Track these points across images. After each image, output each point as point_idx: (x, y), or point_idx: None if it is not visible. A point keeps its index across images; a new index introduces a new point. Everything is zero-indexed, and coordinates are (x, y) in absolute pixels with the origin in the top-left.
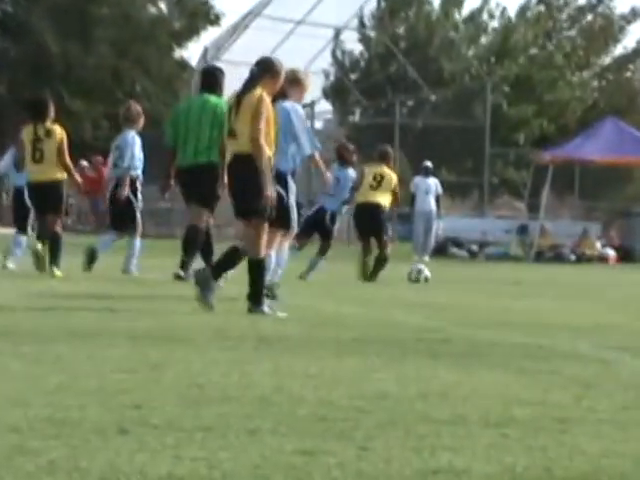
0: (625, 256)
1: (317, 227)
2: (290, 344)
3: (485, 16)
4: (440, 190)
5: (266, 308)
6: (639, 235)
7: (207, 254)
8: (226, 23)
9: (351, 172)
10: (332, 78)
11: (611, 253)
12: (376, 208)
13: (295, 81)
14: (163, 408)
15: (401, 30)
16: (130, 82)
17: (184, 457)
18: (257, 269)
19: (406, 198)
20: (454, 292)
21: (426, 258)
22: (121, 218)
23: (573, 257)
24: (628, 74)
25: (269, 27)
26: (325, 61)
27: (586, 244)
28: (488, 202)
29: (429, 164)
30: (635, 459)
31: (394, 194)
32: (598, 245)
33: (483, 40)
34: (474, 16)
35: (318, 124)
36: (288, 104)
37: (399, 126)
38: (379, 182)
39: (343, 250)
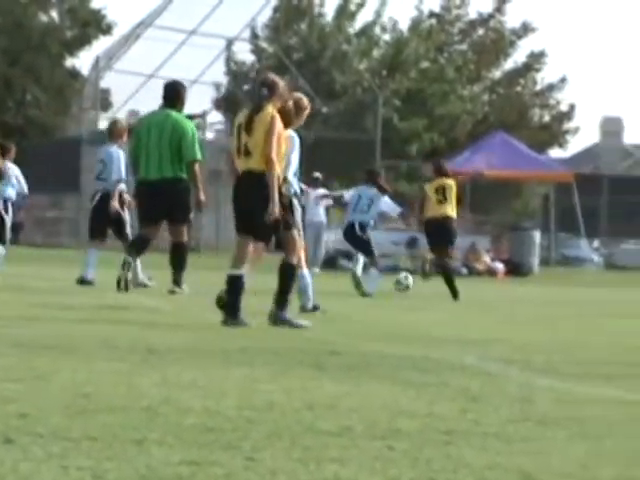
0: (514, 270)
1: (353, 242)
2: (178, 354)
3: (377, 29)
4: (330, 202)
5: (286, 315)
6: (527, 249)
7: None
8: (118, 33)
9: (384, 198)
10: (224, 89)
11: (500, 267)
12: (445, 220)
13: (301, 108)
14: (49, 417)
15: (294, 42)
16: (21, 90)
17: (70, 466)
18: (287, 274)
19: None
20: (343, 304)
21: (316, 270)
22: (104, 229)
23: (465, 271)
24: (518, 88)
25: (161, 37)
26: (218, 72)
27: (475, 258)
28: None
29: (319, 175)
30: (519, 473)
31: (458, 201)
32: (487, 259)
33: (375, 53)
34: (366, 29)
35: (210, 135)
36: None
37: None
38: (443, 194)
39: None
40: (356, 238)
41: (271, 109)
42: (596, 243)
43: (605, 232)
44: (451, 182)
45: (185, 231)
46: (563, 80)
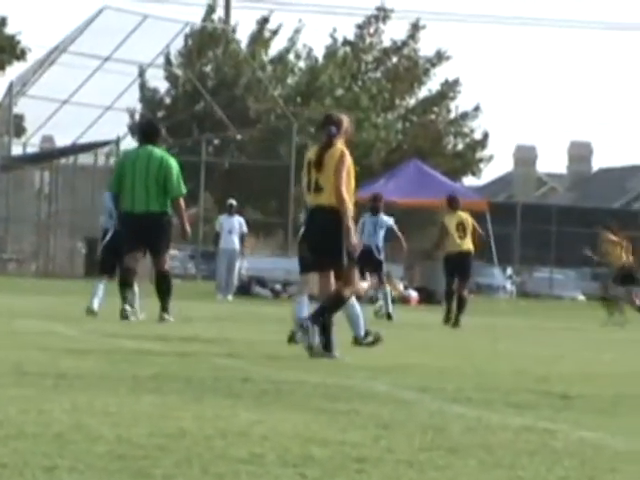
0: (427, 298)
1: (366, 263)
2: (89, 381)
3: (292, 56)
4: (245, 229)
5: (336, 353)
6: (440, 277)
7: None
8: (32, 58)
9: (384, 217)
10: (138, 115)
11: (413, 294)
12: (466, 255)
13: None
14: None
15: (208, 69)
16: None
17: None
18: (334, 302)
19: (210, 236)
20: (256, 331)
21: (229, 297)
22: (114, 266)
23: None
24: (432, 116)
25: (76, 63)
26: (132, 98)
27: (388, 285)
28: (292, 242)
29: (233, 202)
30: None
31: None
32: (400, 286)
33: (290, 80)
34: (281, 56)
35: None
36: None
37: (205, 165)
38: (464, 230)
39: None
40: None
41: (340, 146)
42: (509, 271)
43: (518, 260)
44: (468, 217)
45: (167, 261)
46: (477, 108)
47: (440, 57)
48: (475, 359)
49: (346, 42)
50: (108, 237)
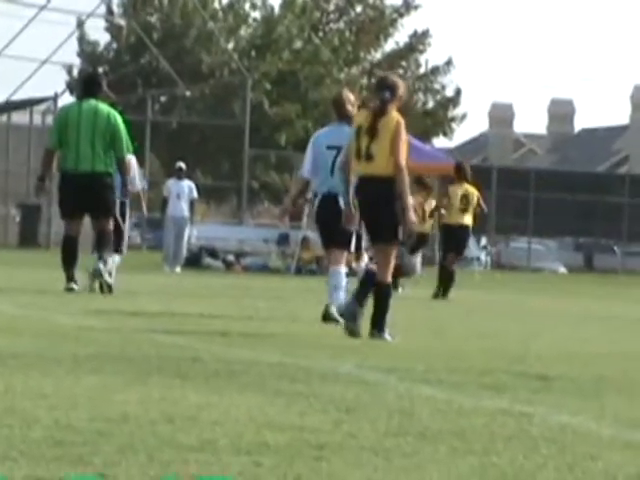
0: (394, 270)
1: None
2: (24, 361)
3: (246, 6)
4: (195, 194)
5: (387, 335)
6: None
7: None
8: None
9: None
10: (77, 70)
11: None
12: (465, 229)
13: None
14: None
15: (154, 19)
16: None
17: None
18: (384, 294)
19: (157, 202)
20: (206, 306)
21: (177, 269)
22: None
23: None
24: (400, 71)
25: (9, 12)
26: (71, 51)
27: (352, 256)
28: (247, 208)
29: (182, 165)
30: None
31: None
32: (366, 258)
33: (244, 32)
34: (234, 5)
35: None
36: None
37: (151, 124)
38: (466, 204)
39: None
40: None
41: (395, 113)
42: (484, 241)
43: (493, 229)
44: (474, 190)
45: (109, 224)
46: (449, 63)
47: (408, 6)
48: (446, 337)
49: None
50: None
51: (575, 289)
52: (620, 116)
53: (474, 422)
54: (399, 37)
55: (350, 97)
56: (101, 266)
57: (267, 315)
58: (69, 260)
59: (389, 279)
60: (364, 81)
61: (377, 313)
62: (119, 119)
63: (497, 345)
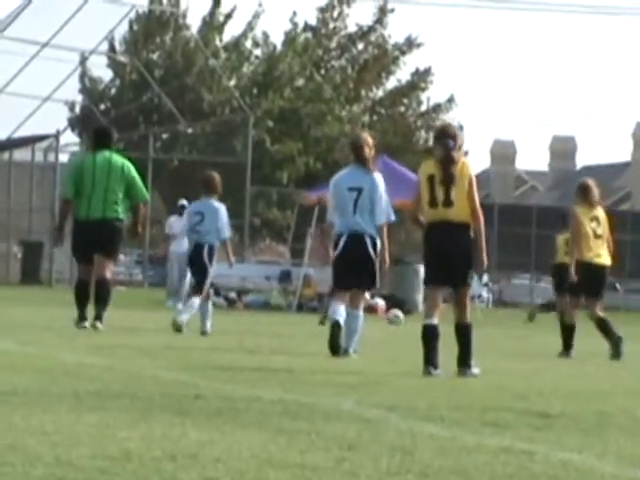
0: (396, 306)
1: None
2: (26, 398)
3: (248, 43)
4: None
5: (475, 370)
6: (411, 284)
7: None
8: None
9: None
10: (79, 107)
11: (380, 302)
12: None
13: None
14: None
15: (156, 56)
16: None
17: None
18: (466, 334)
19: (157, 240)
20: (208, 343)
21: (179, 305)
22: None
23: None
24: (402, 109)
25: (11, 49)
26: (72, 88)
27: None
28: (249, 245)
29: (185, 202)
30: None
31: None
32: (366, 294)
33: (246, 69)
34: (236, 43)
35: (63, 157)
36: (376, 173)
37: (152, 161)
38: None
39: None
40: None
41: (464, 160)
42: (485, 278)
43: (495, 266)
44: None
45: (110, 268)
46: (450, 100)
47: (410, 44)
48: (448, 373)
49: (307, 27)
50: (191, 251)
51: (577, 326)
52: (622, 153)
53: (476, 460)
54: (401, 74)
55: (368, 140)
56: (100, 326)
57: (269, 351)
58: (81, 301)
59: (469, 319)
60: (366, 118)
61: (463, 352)
62: (132, 168)
63: (499, 382)
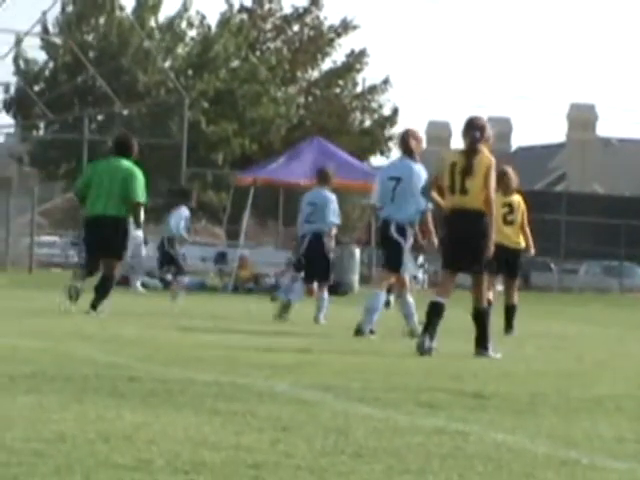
0: (331, 288)
1: None
2: None
3: (183, 24)
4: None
5: (491, 352)
6: (347, 266)
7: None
8: None
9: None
10: (13, 89)
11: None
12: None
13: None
14: None
15: (90, 37)
16: None
17: None
18: (482, 318)
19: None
20: (142, 325)
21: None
22: (315, 270)
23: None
24: (337, 90)
25: None
26: (7, 70)
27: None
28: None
29: None
30: None
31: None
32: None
33: (181, 50)
34: (171, 24)
35: None
36: (417, 165)
37: (88, 142)
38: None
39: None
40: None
41: (487, 153)
42: (421, 259)
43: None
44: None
45: (117, 267)
46: (386, 81)
47: (346, 26)
48: (382, 355)
49: (242, 9)
50: (307, 242)
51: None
52: (556, 134)
53: (410, 441)
54: (336, 56)
55: (416, 134)
56: (93, 313)
57: (204, 333)
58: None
59: (485, 304)
60: (301, 100)
61: (480, 334)
62: (137, 171)
63: (434, 363)
